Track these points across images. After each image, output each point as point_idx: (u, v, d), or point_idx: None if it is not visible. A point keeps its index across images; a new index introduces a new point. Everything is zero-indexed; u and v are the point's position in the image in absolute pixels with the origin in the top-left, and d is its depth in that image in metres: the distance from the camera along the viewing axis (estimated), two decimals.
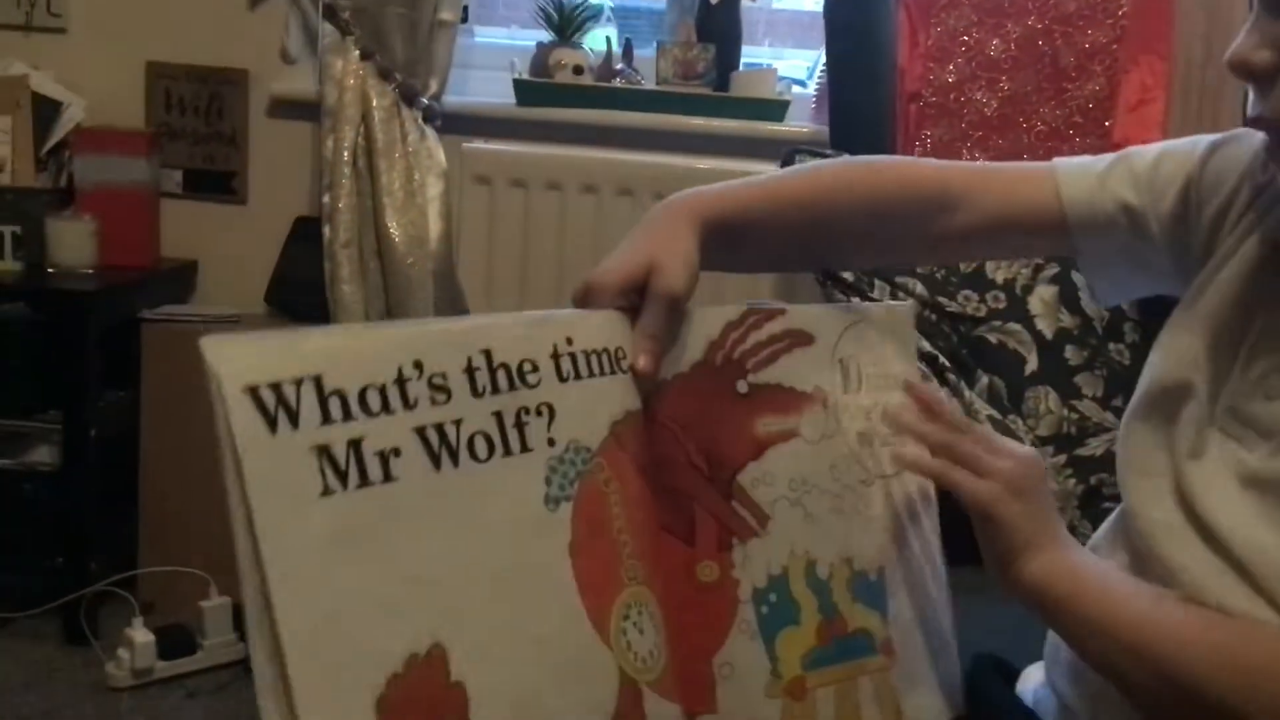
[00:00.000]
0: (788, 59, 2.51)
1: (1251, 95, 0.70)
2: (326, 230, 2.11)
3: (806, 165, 0.89)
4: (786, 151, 1.75)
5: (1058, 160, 0.87)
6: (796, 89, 2.34)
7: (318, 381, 0.54)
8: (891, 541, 0.83)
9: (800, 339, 0.81)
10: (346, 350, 0.57)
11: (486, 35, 2.45)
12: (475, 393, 0.61)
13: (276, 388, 0.53)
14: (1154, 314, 1.32)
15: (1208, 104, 1.68)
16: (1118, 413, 1.69)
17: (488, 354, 0.62)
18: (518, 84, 2.20)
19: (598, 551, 0.67)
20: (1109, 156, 0.85)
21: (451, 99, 2.21)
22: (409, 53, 2.11)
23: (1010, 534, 0.75)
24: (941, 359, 1.65)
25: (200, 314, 2.18)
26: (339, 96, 2.10)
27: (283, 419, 0.53)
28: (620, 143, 2.19)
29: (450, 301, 2.15)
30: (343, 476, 0.54)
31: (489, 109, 2.24)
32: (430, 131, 2.15)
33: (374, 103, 2.09)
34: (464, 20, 2.23)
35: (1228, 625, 0.69)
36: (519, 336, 0.65)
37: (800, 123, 2.23)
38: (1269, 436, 0.71)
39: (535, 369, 0.65)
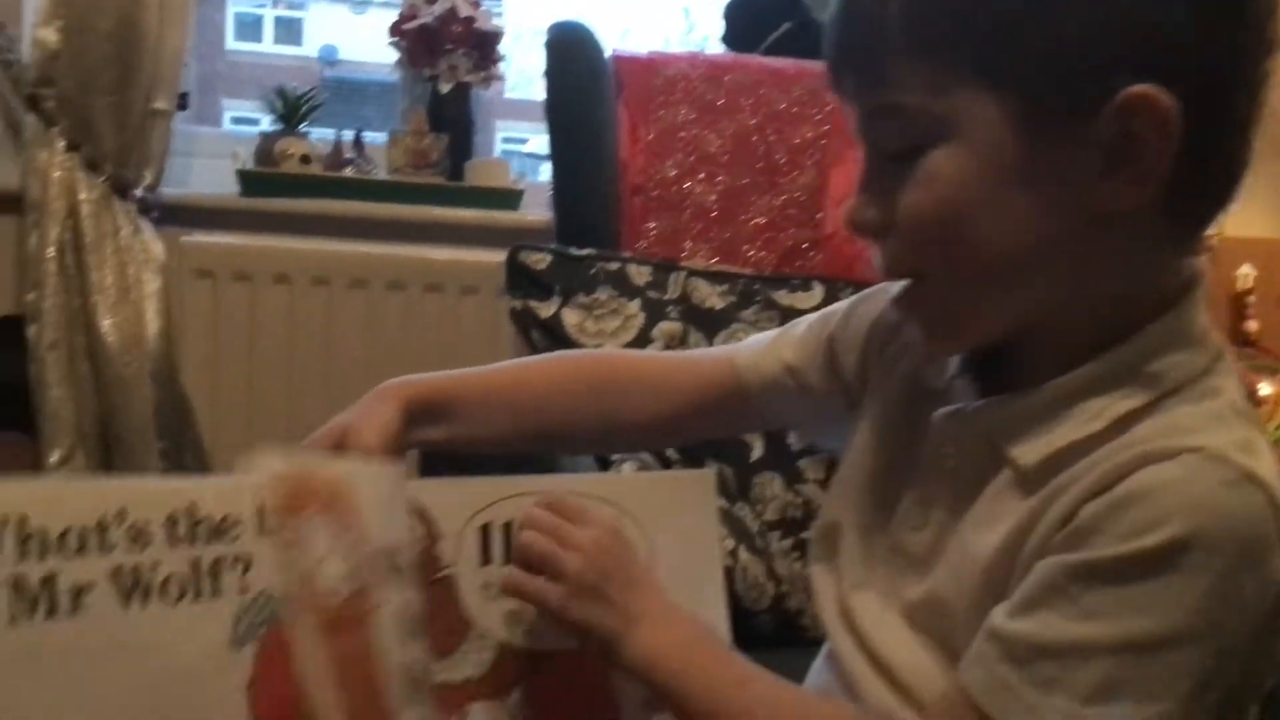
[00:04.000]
0: None
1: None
2: (31, 331, 1.97)
3: (521, 360, 0.97)
4: (513, 246, 1.74)
5: (743, 342, 0.97)
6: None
7: (21, 521, 0.62)
8: None
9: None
10: (51, 496, 0.65)
11: (211, 124, 2.37)
12: (174, 541, 0.67)
13: None
14: None
15: None
16: None
17: (191, 507, 0.68)
18: (242, 174, 2.12)
19: (277, 689, 0.71)
20: (780, 330, 0.94)
21: (171, 190, 2.11)
22: (120, 143, 2.00)
23: (594, 630, 0.75)
24: (670, 451, 1.66)
25: None
26: (43, 190, 1.97)
27: None
28: (352, 233, 2.13)
29: (173, 404, 2.03)
30: (32, 607, 0.61)
31: (211, 200, 2.15)
32: (146, 224, 2.04)
33: (81, 196, 1.97)
34: (183, 108, 2.14)
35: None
36: (223, 493, 0.70)
37: (537, 211, 2.23)
38: (918, 566, 0.75)
39: (239, 523, 0.70)
